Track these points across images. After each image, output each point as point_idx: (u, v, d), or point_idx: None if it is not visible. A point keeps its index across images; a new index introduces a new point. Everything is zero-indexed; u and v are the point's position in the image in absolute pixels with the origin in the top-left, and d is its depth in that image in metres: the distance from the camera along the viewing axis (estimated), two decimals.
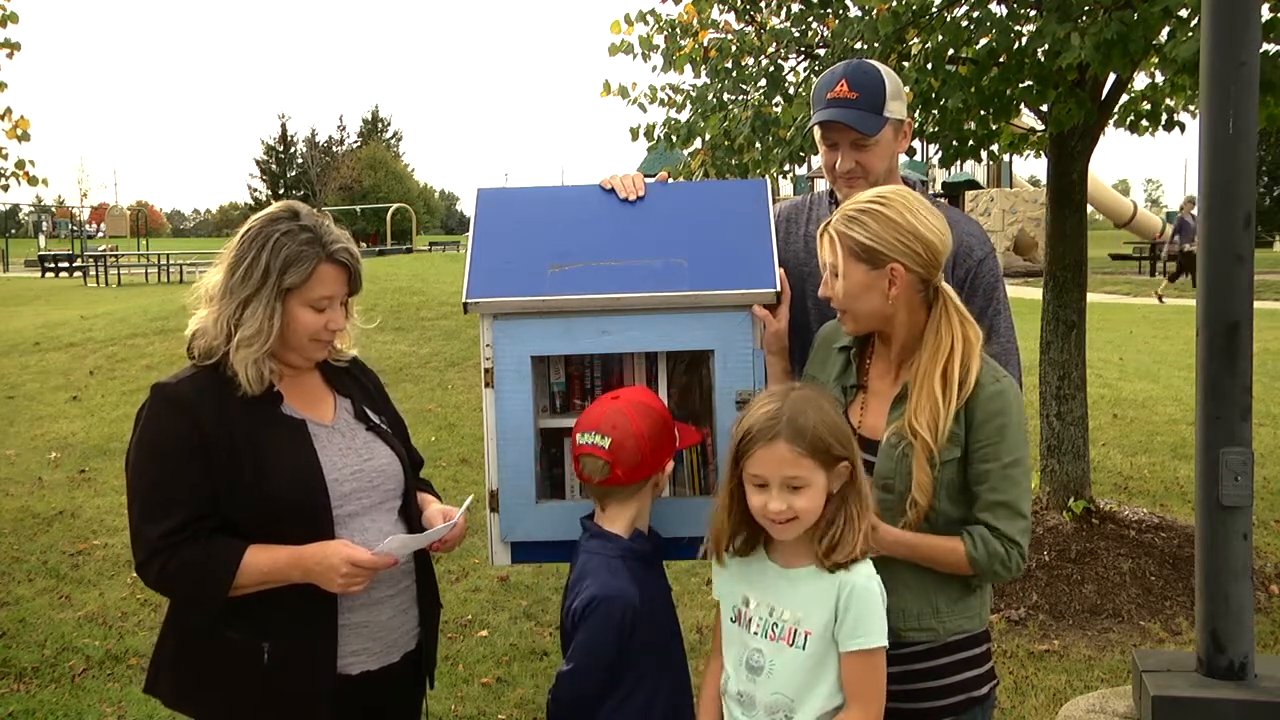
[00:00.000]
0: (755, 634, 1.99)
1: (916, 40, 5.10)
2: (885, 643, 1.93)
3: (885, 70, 2.46)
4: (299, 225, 2.09)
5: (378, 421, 2.29)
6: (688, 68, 5.65)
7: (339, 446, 2.17)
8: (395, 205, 44.36)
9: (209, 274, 2.15)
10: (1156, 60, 4.99)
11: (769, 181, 2.67)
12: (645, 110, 5.97)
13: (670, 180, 2.64)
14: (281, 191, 62.65)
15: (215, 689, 2.09)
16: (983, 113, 5.07)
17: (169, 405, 2.05)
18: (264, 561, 2.01)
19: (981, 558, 2.01)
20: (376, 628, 2.16)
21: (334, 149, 66.43)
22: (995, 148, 5.76)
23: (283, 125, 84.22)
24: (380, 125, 70.80)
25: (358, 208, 51.37)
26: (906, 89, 3.88)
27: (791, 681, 1.94)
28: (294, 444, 2.11)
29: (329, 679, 2.09)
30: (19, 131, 7.49)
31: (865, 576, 1.94)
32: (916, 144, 10.23)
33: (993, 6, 4.80)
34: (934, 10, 4.86)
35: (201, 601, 2.04)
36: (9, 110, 7.47)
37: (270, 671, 2.05)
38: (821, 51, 5.36)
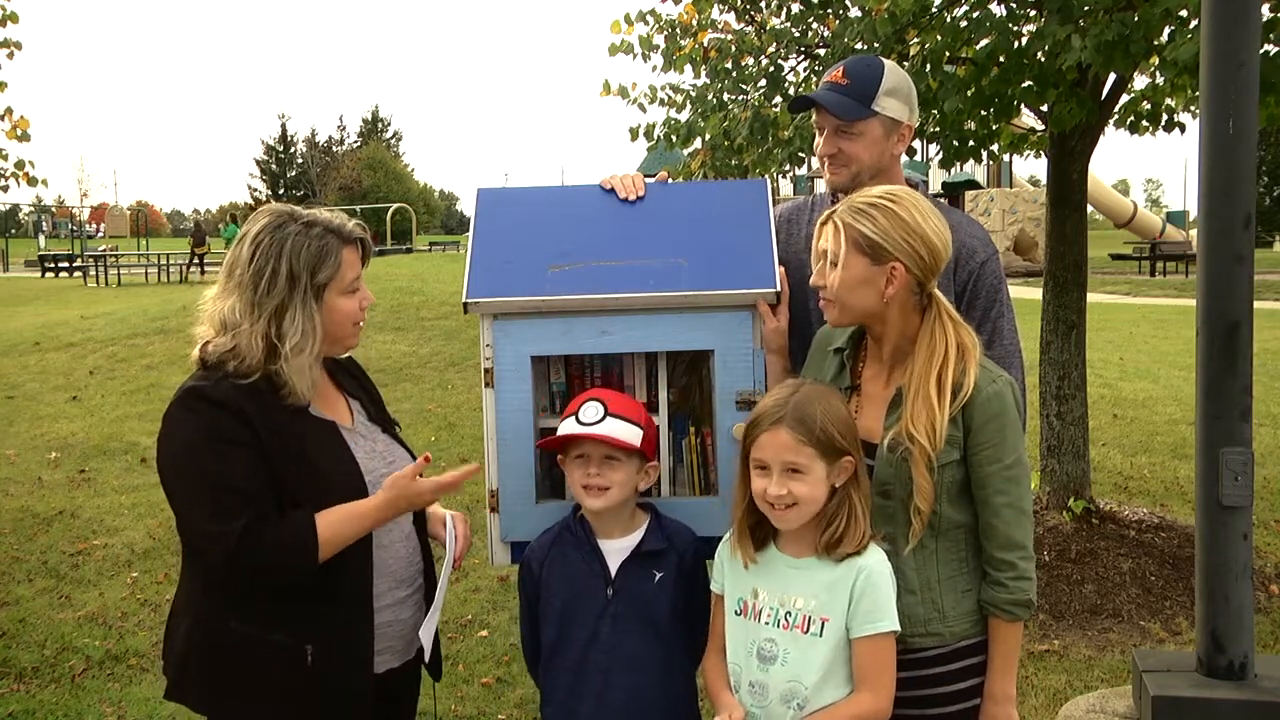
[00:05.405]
0: (766, 624, 2.01)
1: (916, 41, 5.10)
2: (897, 628, 1.97)
3: (892, 68, 2.45)
4: (304, 224, 2.08)
5: (390, 422, 2.32)
6: (688, 68, 5.64)
7: (365, 449, 2.19)
8: (395, 205, 44.30)
9: (216, 300, 2.09)
10: (1157, 62, 4.99)
11: (769, 181, 2.67)
12: (645, 110, 5.96)
13: (670, 180, 2.64)
14: (281, 191, 62.62)
15: (257, 692, 2.06)
16: (983, 113, 5.06)
17: (210, 404, 2.00)
18: (341, 516, 2.02)
19: (1013, 611, 2.04)
20: (400, 626, 2.19)
21: (334, 149, 66.47)
22: (995, 148, 5.76)
23: (283, 125, 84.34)
24: (380, 125, 70.87)
25: (357, 208, 51.17)
26: None
27: (808, 669, 1.97)
28: (335, 447, 2.12)
29: (368, 677, 2.12)
30: (19, 131, 7.50)
31: (878, 560, 1.99)
32: (916, 144, 10.23)
33: (992, 7, 4.79)
34: (933, 11, 4.86)
35: (300, 568, 2.01)
36: (9, 110, 7.48)
37: (315, 672, 2.05)
38: (821, 51, 5.36)
